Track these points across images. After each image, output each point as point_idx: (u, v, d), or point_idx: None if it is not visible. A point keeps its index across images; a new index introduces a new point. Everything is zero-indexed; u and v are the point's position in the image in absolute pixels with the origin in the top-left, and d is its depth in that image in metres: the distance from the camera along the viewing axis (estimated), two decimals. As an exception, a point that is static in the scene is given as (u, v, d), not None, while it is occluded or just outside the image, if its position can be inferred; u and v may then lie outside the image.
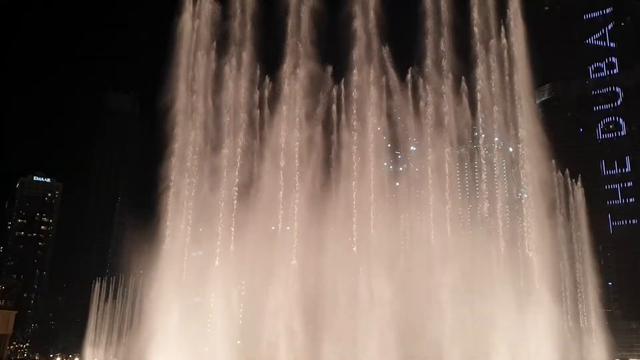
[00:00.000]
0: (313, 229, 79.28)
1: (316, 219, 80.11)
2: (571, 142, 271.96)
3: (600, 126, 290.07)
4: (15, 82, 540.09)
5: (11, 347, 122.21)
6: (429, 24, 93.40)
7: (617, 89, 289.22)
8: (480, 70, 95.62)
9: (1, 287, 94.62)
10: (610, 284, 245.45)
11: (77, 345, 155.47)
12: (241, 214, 77.28)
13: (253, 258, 76.08)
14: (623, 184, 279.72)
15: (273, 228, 79.55)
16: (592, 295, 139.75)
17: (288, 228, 78.77)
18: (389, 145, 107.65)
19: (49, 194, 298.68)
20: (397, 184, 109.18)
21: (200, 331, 74.80)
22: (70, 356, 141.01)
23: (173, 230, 72.69)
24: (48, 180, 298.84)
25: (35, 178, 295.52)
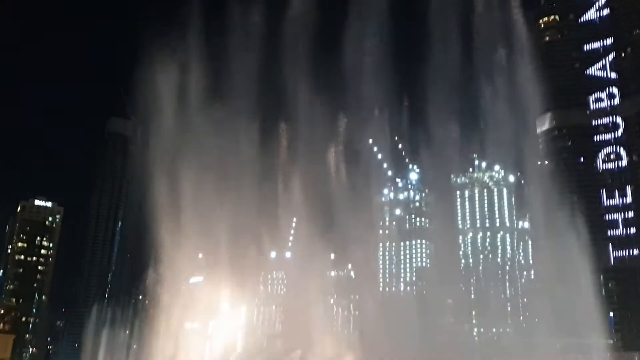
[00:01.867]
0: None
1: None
2: (571, 171, 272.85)
3: (601, 156, 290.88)
4: (12, 102, 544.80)
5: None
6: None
7: (618, 119, 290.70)
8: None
9: (0, 311, 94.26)
10: (611, 314, 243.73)
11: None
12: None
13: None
14: (624, 214, 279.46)
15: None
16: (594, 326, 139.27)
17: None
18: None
19: (50, 218, 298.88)
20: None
21: (199, 356, 74.63)
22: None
23: (172, 256, 72.95)
24: (49, 204, 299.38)
25: (37, 202, 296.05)
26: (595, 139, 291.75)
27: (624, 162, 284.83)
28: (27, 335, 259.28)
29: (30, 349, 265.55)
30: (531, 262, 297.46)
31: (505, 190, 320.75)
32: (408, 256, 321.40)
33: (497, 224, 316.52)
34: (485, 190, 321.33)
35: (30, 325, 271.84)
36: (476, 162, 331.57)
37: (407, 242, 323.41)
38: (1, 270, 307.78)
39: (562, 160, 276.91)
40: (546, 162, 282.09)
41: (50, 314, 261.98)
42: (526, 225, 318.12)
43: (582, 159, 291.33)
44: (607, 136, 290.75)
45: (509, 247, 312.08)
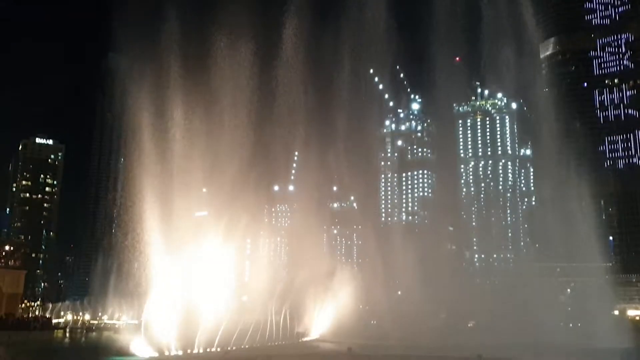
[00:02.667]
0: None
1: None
2: (574, 97, 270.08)
3: (605, 81, 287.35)
4: (14, 44, 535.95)
5: (22, 305, 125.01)
6: None
7: (622, 41, 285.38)
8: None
9: (9, 248, 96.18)
10: (611, 239, 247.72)
11: (85, 303, 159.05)
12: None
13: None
14: (626, 142, 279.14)
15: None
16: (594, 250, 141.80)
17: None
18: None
19: (52, 156, 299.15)
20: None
21: (204, 284, 76.25)
22: (80, 313, 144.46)
23: (176, 191, 73.23)
24: (50, 142, 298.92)
25: (38, 140, 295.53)
26: (599, 65, 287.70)
27: (630, 90, 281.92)
28: (38, 271, 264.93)
29: (42, 284, 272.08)
30: (532, 188, 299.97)
31: (507, 118, 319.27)
32: (410, 186, 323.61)
33: (499, 152, 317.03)
34: (487, 118, 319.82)
35: (41, 261, 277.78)
36: (478, 90, 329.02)
37: (409, 173, 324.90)
38: (8, 209, 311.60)
39: (565, 86, 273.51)
40: (549, 89, 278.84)
41: (59, 250, 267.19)
42: (528, 152, 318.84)
43: (585, 84, 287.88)
44: (611, 61, 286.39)
45: (510, 175, 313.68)
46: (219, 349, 68.25)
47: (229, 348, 69.41)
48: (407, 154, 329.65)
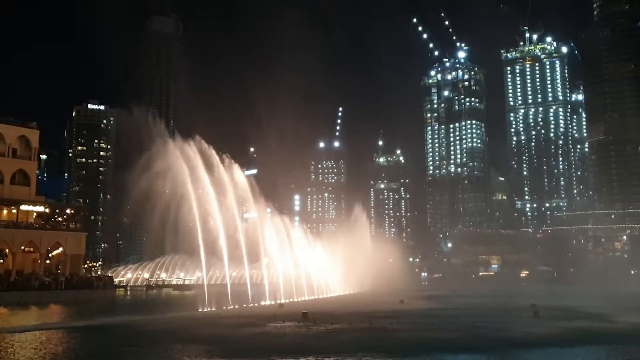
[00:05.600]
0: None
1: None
2: (628, 37, 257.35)
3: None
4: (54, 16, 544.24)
5: (85, 265, 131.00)
6: None
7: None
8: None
9: (70, 212, 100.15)
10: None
11: (144, 262, 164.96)
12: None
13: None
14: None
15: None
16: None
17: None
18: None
19: (104, 121, 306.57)
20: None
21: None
22: (140, 271, 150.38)
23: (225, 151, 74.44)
24: (102, 107, 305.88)
25: (90, 106, 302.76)
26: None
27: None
28: (97, 233, 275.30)
29: (102, 245, 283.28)
30: (585, 134, 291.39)
31: (557, 62, 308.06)
32: (458, 138, 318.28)
33: (550, 98, 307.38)
34: (536, 63, 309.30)
35: (99, 223, 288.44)
36: (527, 35, 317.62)
37: (457, 124, 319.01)
38: (66, 174, 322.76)
39: (618, 26, 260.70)
40: (601, 29, 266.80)
41: (116, 212, 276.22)
42: (580, 97, 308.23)
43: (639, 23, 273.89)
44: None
45: (562, 121, 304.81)
46: (273, 302, 70.46)
47: (282, 301, 71.59)
48: (454, 104, 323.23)
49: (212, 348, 31.55)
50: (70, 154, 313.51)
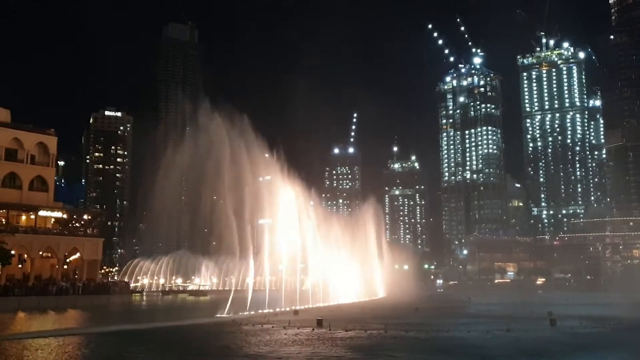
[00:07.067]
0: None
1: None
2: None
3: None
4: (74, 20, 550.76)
5: (102, 271, 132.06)
6: None
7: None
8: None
9: (88, 217, 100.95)
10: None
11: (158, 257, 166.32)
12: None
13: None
14: None
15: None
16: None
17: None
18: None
19: (121, 127, 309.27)
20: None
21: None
22: (155, 277, 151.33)
23: (241, 157, 74.85)
24: (119, 114, 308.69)
25: (107, 112, 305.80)
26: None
27: None
28: (114, 239, 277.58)
29: (119, 251, 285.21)
30: (602, 140, 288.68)
31: (574, 68, 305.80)
32: (474, 144, 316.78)
33: (567, 104, 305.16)
34: (553, 69, 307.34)
35: (116, 229, 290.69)
36: (543, 41, 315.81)
37: (473, 130, 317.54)
38: (83, 180, 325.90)
39: (636, 32, 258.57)
40: (619, 34, 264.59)
41: (133, 218, 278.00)
42: (597, 103, 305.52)
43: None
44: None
45: (579, 127, 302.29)
46: (288, 309, 70.48)
47: (297, 308, 71.54)
48: (469, 110, 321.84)
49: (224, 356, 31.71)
50: (88, 160, 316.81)
